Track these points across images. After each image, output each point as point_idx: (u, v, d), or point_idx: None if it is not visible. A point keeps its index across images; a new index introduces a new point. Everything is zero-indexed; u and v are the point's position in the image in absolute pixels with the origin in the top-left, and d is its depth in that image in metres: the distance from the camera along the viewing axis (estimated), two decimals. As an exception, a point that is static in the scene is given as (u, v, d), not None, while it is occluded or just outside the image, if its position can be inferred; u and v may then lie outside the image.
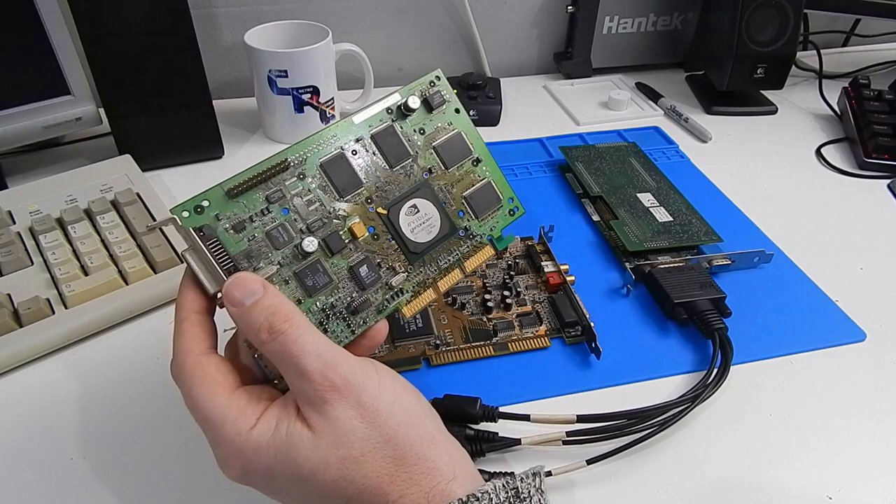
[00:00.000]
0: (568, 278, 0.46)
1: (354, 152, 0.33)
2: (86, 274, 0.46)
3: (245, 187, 0.30)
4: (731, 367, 0.41)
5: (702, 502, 0.35)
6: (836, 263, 0.51)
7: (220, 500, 0.34)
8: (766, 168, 0.64)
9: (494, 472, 0.33)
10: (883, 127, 0.65)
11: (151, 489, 0.35)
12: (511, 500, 0.27)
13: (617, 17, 0.78)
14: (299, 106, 0.63)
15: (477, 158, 0.36)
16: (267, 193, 0.30)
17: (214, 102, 0.60)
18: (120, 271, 0.46)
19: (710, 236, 0.50)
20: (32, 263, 0.46)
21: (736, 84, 0.72)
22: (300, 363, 0.26)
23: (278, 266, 0.30)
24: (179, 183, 0.59)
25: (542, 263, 0.47)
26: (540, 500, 0.27)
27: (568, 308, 0.44)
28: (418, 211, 0.34)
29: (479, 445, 0.36)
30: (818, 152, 0.67)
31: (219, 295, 0.29)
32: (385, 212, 0.33)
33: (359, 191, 0.32)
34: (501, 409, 0.37)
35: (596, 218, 0.55)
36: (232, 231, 0.29)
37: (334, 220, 0.32)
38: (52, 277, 0.45)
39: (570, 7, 0.78)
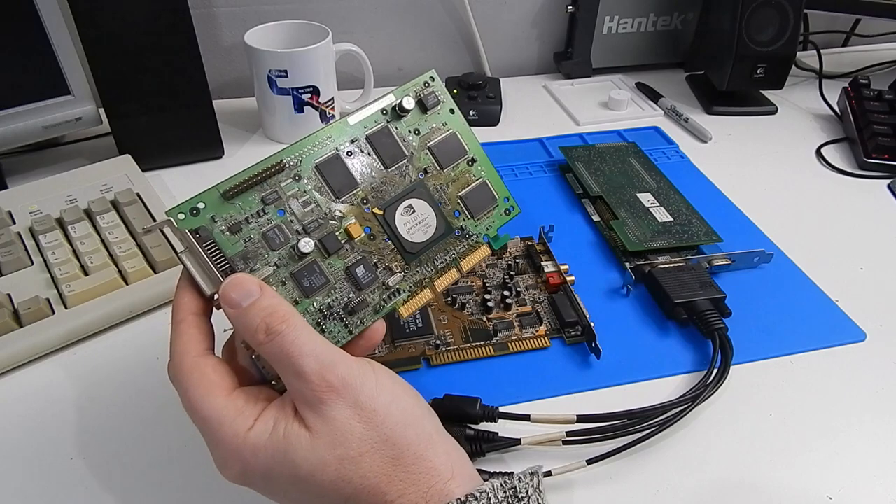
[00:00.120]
0: (568, 278, 0.46)
1: (350, 153, 0.33)
2: (86, 274, 0.46)
3: (241, 189, 0.30)
4: (731, 367, 0.41)
5: (702, 502, 0.35)
6: (836, 263, 0.51)
7: (220, 499, 0.34)
8: (766, 168, 0.64)
9: (493, 472, 0.33)
10: (883, 127, 0.65)
11: (151, 489, 0.35)
12: (509, 499, 0.27)
13: (617, 17, 0.78)
14: (299, 106, 0.63)
15: (472, 158, 0.36)
16: (263, 195, 0.30)
17: (214, 102, 0.60)
18: (120, 271, 0.46)
19: (710, 236, 0.50)
20: (32, 263, 0.46)
21: (736, 84, 0.72)
22: (297, 364, 0.26)
23: (275, 267, 0.30)
24: (179, 183, 0.59)
25: (542, 263, 0.47)
26: (538, 499, 0.27)
27: (568, 308, 0.44)
28: (414, 211, 0.34)
29: (479, 445, 0.36)
30: (818, 152, 0.67)
31: (215, 296, 0.29)
32: (381, 212, 0.33)
33: (354, 191, 0.33)
34: (501, 409, 0.37)
35: (596, 218, 0.55)
36: (228, 233, 0.29)
37: (330, 221, 0.32)
38: (52, 277, 0.45)
39: (570, 7, 0.78)
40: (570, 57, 0.80)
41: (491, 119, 0.71)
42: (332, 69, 0.65)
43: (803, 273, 0.50)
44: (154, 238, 0.48)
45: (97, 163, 0.56)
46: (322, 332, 0.31)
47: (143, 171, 0.56)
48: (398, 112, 0.34)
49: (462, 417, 0.37)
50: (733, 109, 0.74)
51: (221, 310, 0.28)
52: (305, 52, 0.60)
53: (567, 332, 0.43)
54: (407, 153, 0.34)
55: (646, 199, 0.54)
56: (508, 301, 0.44)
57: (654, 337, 0.44)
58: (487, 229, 0.36)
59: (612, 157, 0.60)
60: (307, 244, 0.30)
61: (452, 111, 0.36)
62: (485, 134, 0.68)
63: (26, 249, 0.47)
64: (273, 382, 0.30)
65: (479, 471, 0.30)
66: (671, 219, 0.52)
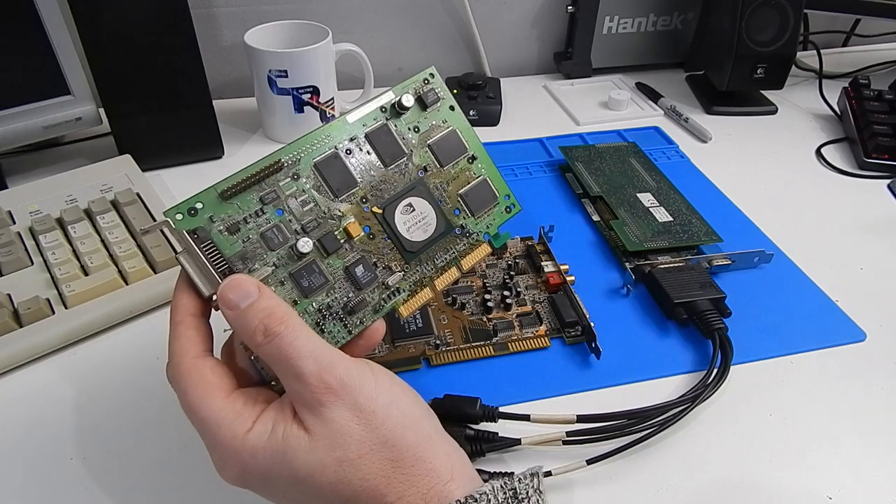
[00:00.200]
0: (568, 278, 0.46)
1: (349, 151, 0.33)
2: (86, 274, 0.46)
3: (239, 189, 0.30)
4: (731, 367, 0.41)
5: (702, 502, 0.35)
6: (836, 263, 0.51)
7: (220, 500, 0.34)
8: (766, 168, 0.64)
9: (493, 473, 0.33)
10: (883, 127, 0.65)
11: (151, 489, 0.35)
12: (509, 500, 0.27)
13: (617, 17, 0.78)
14: (299, 106, 0.63)
15: (472, 156, 0.36)
16: (261, 194, 0.30)
17: (214, 102, 0.60)
18: (120, 271, 0.46)
19: (710, 236, 0.50)
20: (32, 263, 0.46)
21: (736, 84, 0.72)
22: (296, 365, 0.26)
23: (273, 267, 0.30)
24: (179, 183, 0.59)
25: (542, 263, 0.47)
26: (538, 500, 0.27)
27: (568, 308, 0.44)
28: (414, 209, 0.34)
29: (479, 445, 0.36)
30: (818, 152, 0.67)
31: (214, 297, 0.29)
32: (380, 211, 0.33)
33: (353, 190, 0.32)
34: (501, 409, 0.37)
35: (596, 218, 0.55)
36: (226, 233, 0.29)
37: (329, 221, 0.32)
38: (52, 277, 0.45)
39: (570, 7, 0.78)
40: (570, 57, 0.80)
41: (491, 119, 0.71)
42: (332, 69, 0.65)
43: (803, 273, 0.50)
44: (154, 238, 0.48)
45: (97, 163, 0.56)
46: (321, 332, 0.31)
47: (143, 171, 0.56)
48: (397, 109, 0.34)
49: (462, 417, 0.37)
50: (733, 109, 0.74)
51: (220, 311, 0.28)
52: (305, 52, 0.60)
53: (567, 332, 0.43)
54: (406, 151, 0.34)
55: (646, 199, 0.54)
56: (508, 301, 0.44)
57: (654, 337, 0.44)
58: (488, 227, 0.36)
59: (612, 157, 0.60)
60: (306, 244, 0.30)
61: (452, 108, 0.36)
62: (485, 134, 0.68)
63: (26, 249, 0.47)
64: (272, 383, 0.30)
65: (479, 471, 0.30)
66: (671, 219, 0.52)
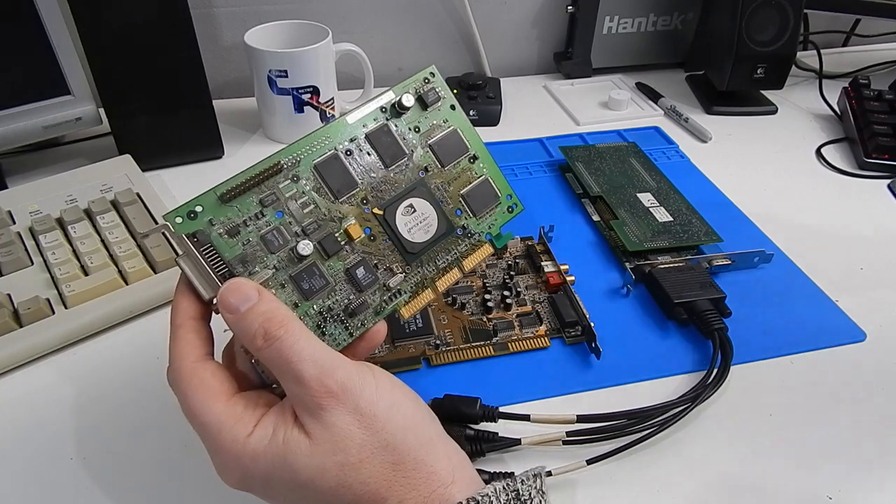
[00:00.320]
0: (568, 278, 0.46)
1: (349, 152, 0.32)
2: (86, 274, 0.46)
3: (238, 191, 0.29)
4: (731, 367, 0.41)
5: (702, 502, 0.35)
6: (836, 263, 0.51)
7: (220, 500, 0.34)
8: (766, 168, 0.64)
9: (494, 473, 0.33)
10: (883, 127, 0.65)
11: (151, 489, 0.35)
12: (512, 502, 0.27)
13: (617, 17, 0.78)
14: (299, 106, 0.63)
15: (474, 155, 0.36)
16: (261, 197, 0.30)
17: (214, 102, 0.60)
18: (120, 271, 0.46)
19: (710, 236, 0.50)
20: (32, 263, 0.46)
21: (736, 84, 0.72)
22: (296, 369, 0.26)
23: (274, 270, 0.30)
24: (179, 183, 0.59)
25: (542, 263, 0.47)
26: (541, 501, 0.27)
27: (568, 308, 0.44)
28: (415, 210, 0.33)
29: (479, 445, 0.36)
30: (818, 152, 0.67)
31: (214, 301, 0.29)
32: (381, 212, 0.33)
33: (354, 192, 0.32)
34: (501, 409, 0.37)
35: (596, 218, 0.55)
36: (226, 236, 0.29)
37: (330, 222, 0.31)
38: (52, 277, 0.45)
39: (570, 7, 0.78)
40: (570, 57, 0.80)
41: (491, 119, 0.71)
42: (332, 69, 0.65)
43: (803, 273, 0.50)
44: (154, 238, 0.48)
45: (97, 163, 0.56)
46: (322, 334, 0.31)
47: (143, 171, 0.56)
48: (398, 109, 0.34)
49: (462, 417, 0.37)
50: (733, 109, 0.74)
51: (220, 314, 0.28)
52: (305, 52, 0.60)
53: (567, 332, 0.43)
54: (407, 151, 0.34)
55: (646, 199, 0.54)
56: (508, 301, 0.44)
57: (654, 337, 0.44)
58: (490, 227, 0.36)
59: (612, 157, 0.60)
60: (306, 246, 0.30)
61: (453, 107, 0.36)
62: (485, 134, 0.68)
63: (26, 249, 0.47)
64: (273, 386, 0.30)
65: (480, 471, 0.30)
66: (671, 219, 0.52)
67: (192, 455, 0.36)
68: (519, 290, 0.46)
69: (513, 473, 0.32)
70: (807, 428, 0.39)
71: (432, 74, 0.35)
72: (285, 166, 0.31)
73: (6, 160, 0.60)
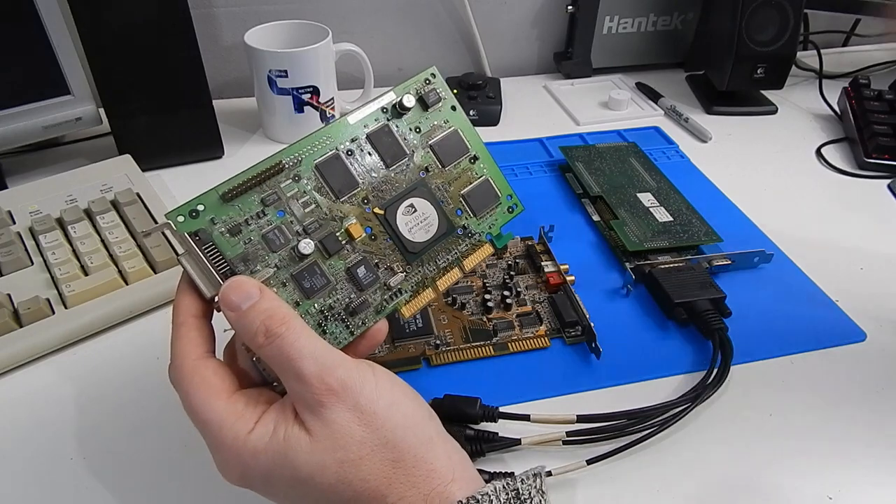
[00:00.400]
0: (568, 278, 0.46)
1: (350, 152, 0.33)
2: (86, 274, 0.46)
3: (240, 190, 0.30)
4: (731, 367, 0.41)
5: (702, 502, 0.35)
6: (836, 263, 0.51)
7: (220, 500, 0.34)
8: (766, 168, 0.64)
9: (494, 473, 0.33)
10: (883, 127, 0.65)
11: (151, 489, 0.35)
12: (512, 501, 0.27)
13: (617, 17, 0.78)
14: (299, 106, 0.63)
15: (474, 156, 0.36)
16: (262, 196, 0.30)
17: (214, 102, 0.60)
18: (120, 271, 0.46)
19: (710, 236, 0.50)
20: (32, 263, 0.46)
21: (736, 84, 0.72)
22: (297, 366, 0.26)
23: (275, 269, 0.30)
24: (179, 183, 0.59)
25: (542, 263, 0.47)
26: (541, 501, 0.27)
27: (568, 308, 0.44)
28: (415, 210, 0.34)
29: (479, 445, 0.36)
30: (818, 152, 0.67)
31: (216, 299, 0.29)
32: (382, 212, 0.33)
33: (355, 191, 0.32)
34: (501, 409, 0.37)
35: (596, 218, 0.55)
36: (228, 234, 0.29)
37: (331, 222, 0.32)
38: (52, 277, 0.45)
39: (570, 7, 0.78)
40: (570, 57, 0.80)
41: (491, 119, 0.71)
42: (332, 69, 0.65)
43: (803, 273, 0.50)
44: (154, 238, 0.48)
45: (97, 163, 0.56)
46: (323, 333, 0.31)
47: (143, 171, 0.56)
48: (398, 110, 0.34)
49: (462, 417, 0.37)
50: (733, 109, 0.74)
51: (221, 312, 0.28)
52: (305, 52, 0.60)
53: (567, 332, 0.43)
54: (408, 151, 0.34)
55: (646, 199, 0.54)
56: (508, 301, 0.44)
57: (654, 337, 0.44)
58: (490, 228, 0.36)
59: (612, 157, 0.60)
60: (307, 245, 0.30)
61: (454, 108, 0.36)
62: (485, 134, 0.68)
63: (26, 249, 0.47)
64: (274, 384, 0.30)
65: (480, 471, 0.30)
66: (671, 219, 0.52)
67: (192, 455, 0.36)
68: (519, 290, 0.46)
69: (513, 473, 0.32)
70: (807, 428, 0.39)
71: (433, 75, 0.35)
72: (287, 166, 0.31)
73: (6, 160, 0.60)
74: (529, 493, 0.27)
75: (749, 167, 0.64)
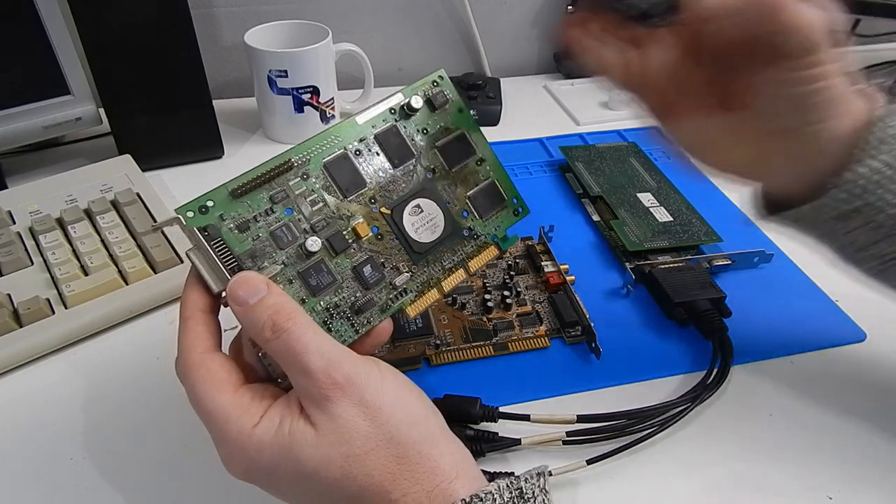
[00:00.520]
0: (568, 278, 0.46)
1: (358, 152, 0.33)
2: (86, 274, 0.46)
3: (249, 187, 0.30)
4: (731, 368, 0.41)
5: (702, 502, 0.35)
6: (836, 263, 0.51)
7: (220, 500, 0.34)
8: (766, 168, 0.64)
9: (497, 472, 0.34)
10: (882, 127, 0.65)
11: (152, 489, 0.35)
12: (515, 500, 0.27)
13: (617, 18, 0.78)
14: (299, 106, 0.63)
15: (481, 158, 0.36)
16: (271, 193, 0.30)
17: (214, 102, 0.60)
18: (120, 271, 0.46)
19: (710, 236, 0.50)
20: (32, 263, 0.46)
21: (735, 84, 0.72)
22: (303, 361, 0.26)
23: (282, 266, 0.30)
24: (179, 183, 0.59)
25: (542, 263, 0.47)
26: (544, 500, 0.27)
27: (568, 308, 0.44)
28: (422, 211, 0.34)
29: (480, 445, 0.36)
30: (818, 152, 0.67)
31: (223, 294, 0.29)
32: (389, 212, 0.33)
33: (362, 191, 0.33)
34: (501, 409, 0.37)
35: (596, 218, 0.55)
36: (236, 231, 0.30)
37: (338, 220, 0.32)
38: (52, 277, 0.45)
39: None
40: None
41: (491, 119, 0.71)
42: (332, 69, 0.65)
43: (803, 273, 0.50)
44: (154, 238, 0.48)
45: (97, 163, 0.56)
46: (329, 330, 0.31)
47: (143, 171, 0.56)
48: (406, 111, 0.34)
49: (462, 417, 0.37)
50: (733, 110, 0.74)
51: (228, 307, 0.28)
52: (305, 52, 0.60)
53: (567, 332, 0.43)
54: (415, 153, 0.34)
55: (646, 198, 0.54)
56: (508, 301, 0.44)
57: (654, 337, 0.44)
58: (496, 230, 0.36)
59: (612, 157, 0.60)
60: (315, 243, 0.30)
61: (461, 110, 0.36)
62: (485, 134, 0.68)
63: (26, 249, 0.47)
64: (279, 380, 0.30)
65: (482, 471, 0.30)
66: (671, 219, 0.52)
67: (192, 455, 0.36)
68: (519, 290, 0.46)
69: (513, 473, 0.32)
70: (807, 428, 0.39)
71: (441, 78, 0.36)
72: (296, 164, 0.31)
73: (6, 160, 0.60)
74: (533, 493, 0.27)
75: (748, 167, 0.64)
